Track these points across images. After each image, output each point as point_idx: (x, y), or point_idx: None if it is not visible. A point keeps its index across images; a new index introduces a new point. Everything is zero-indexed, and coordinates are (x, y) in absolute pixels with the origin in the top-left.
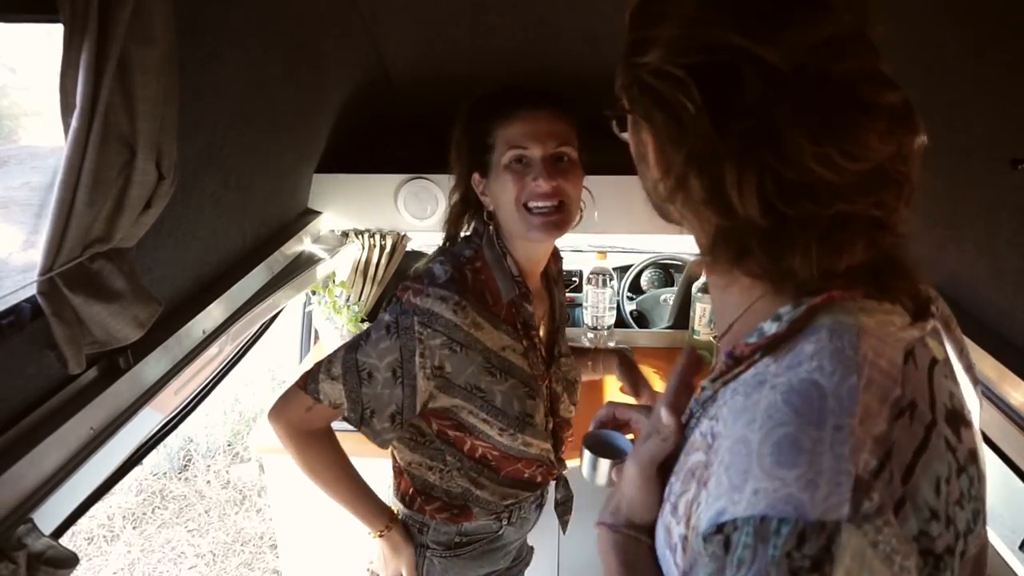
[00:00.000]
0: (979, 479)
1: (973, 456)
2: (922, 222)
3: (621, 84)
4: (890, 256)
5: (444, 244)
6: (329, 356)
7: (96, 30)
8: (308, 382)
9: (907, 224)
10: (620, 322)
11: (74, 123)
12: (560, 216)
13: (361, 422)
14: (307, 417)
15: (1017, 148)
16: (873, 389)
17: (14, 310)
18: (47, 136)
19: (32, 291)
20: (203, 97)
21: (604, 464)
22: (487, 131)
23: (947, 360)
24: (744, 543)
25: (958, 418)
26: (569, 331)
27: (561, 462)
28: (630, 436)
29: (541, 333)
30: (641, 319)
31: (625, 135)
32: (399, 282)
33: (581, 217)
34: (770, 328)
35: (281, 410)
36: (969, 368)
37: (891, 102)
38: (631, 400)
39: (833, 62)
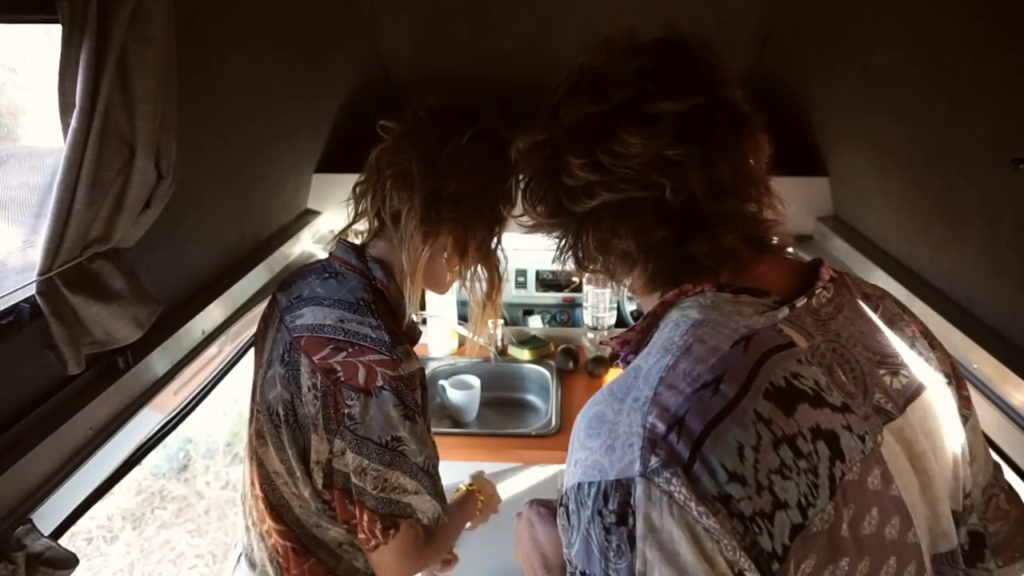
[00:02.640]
0: (831, 458)
1: (818, 434)
2: (922, 222)
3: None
4: (731, 247)
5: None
6: (381, 485)
7: (95, 29)
8: (399, 518)
9: (720, 204)
10: (620, 322)
11: (73, 123)
12: None
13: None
14: (419, 546)
15: (1017, 148)
16: (680, 368)
17: (13, 310)
18: (46, 136)
19: (31, 291)
20: (203, 97)
21: None
22: None
23: (815, 349)
24: (571, 509)
25: (793, 397)
26: (569, 331)
27: None
28: None
29: None
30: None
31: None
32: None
33: None
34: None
35: (402, 561)
36: (932, 358)
37: (665, 110)
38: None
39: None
